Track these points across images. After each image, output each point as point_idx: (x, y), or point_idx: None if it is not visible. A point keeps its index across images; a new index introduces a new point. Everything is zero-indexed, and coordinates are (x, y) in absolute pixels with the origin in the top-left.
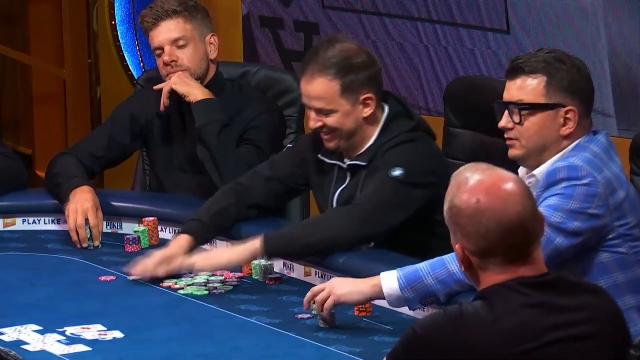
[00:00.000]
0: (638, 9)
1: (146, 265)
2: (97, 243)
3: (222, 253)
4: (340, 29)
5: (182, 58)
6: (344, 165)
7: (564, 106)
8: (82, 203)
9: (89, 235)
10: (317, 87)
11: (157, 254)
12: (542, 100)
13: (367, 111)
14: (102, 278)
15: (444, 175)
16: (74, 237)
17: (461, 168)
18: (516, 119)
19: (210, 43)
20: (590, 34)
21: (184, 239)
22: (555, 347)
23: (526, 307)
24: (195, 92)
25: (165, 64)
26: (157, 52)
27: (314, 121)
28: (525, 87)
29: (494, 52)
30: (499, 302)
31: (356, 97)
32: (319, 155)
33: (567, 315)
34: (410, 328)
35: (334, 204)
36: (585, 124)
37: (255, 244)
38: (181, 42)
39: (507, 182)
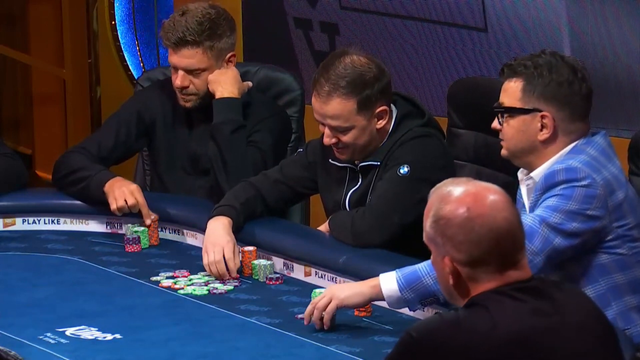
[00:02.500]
0: (638, 9)
1: (220, 266)
2: (148, 222)
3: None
4: (357, 29)
5: (195, 83)
6: (357, 168)
7: (539, 111)
8: (132, 190)
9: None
10: (334, 107)
11: (215, 249)
12: (518, 104)
13: (382, 123)
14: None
15: (451, 174)
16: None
17: (439, 184)
18: (500, 120)
19: (229, 62)
20: (552, 32)
21: (226, 220)
22: (550, 349)
23: (521, 312)
24: (222, 89)
25: (176, 86)
26: (173, 68)
27: (328, 138)
28: (507, 90)
29: (494, 52)
30: (494, 307)
31: (371, 111)
32: (329, 160)
33: (558, 317)
34: (405, 332)
35: (347, 206)
36: (573, 128)
37: None
38: (197, 72)
39: (491, 191)
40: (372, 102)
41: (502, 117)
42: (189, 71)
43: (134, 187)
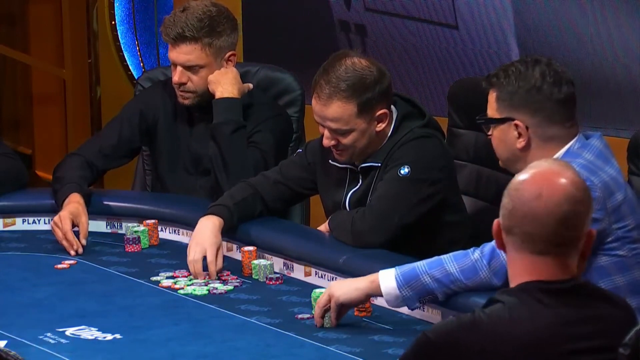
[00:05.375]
0: (638, 9)
1: (197, 266)
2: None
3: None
4: (380, 30)
5: (193, 80)
6: (357, 168)
7: (512, 120)
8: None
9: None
10: (334, 110)
11: (197, 249)
12: (496, 114)
13: (381, 126)
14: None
15: (451, 175)
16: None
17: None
18: (486, 132)
19: (229, 61)
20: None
21: (216, 219)
22: (571, 358)
23: (544, 317)
24: (222, 89)
25: (174, 82)
26: (172, 64)
27: (328, 140)
28: (489, 101)
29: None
30: (517, 309)
31: (372, 114)
32: (329, 161)
33: (585, 326)
34: (421, 334)
35: (347, 206)
36: (551, 134)
37: None
38: (195, 68)
39: (562, 178)
40: (373, 105)
41: (488, 128)
42: (187, 67)
43: (64, 213)
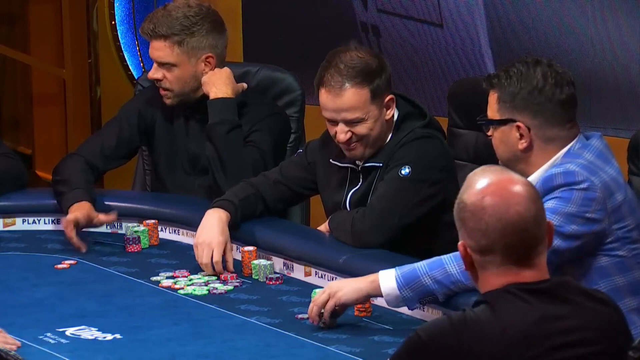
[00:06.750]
0: (637, 9)
1: (210, 269)
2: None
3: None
4: (390, 31)
5: (167, 78)
6: (358, 168)
7: (514, 121)
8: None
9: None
10: (349, 98)
11: (205, 251)
12: (497, 116)
13: (390, 112)
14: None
15: (452, 175)
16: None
17: (476, 169)
18: (486, 132)
19: (207, 62)
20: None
21: (223, 213)
22: (557, 354)
23: (529, 315)
24: (216, 90)
25: (149, 77)
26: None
27: (343, 134)
28: (489, 102)
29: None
30: (502, 308)
31: (382, 100)
32: (330, 160)
33: (570, 321)
34: (414, 333)
35: (347, 206)
36: (551, 135)
37: None
38: (167, 66)
39: (515, 184)
40: (382, 91)
41: (487, 128)
42: (161, 64)
43: (70, 217)
